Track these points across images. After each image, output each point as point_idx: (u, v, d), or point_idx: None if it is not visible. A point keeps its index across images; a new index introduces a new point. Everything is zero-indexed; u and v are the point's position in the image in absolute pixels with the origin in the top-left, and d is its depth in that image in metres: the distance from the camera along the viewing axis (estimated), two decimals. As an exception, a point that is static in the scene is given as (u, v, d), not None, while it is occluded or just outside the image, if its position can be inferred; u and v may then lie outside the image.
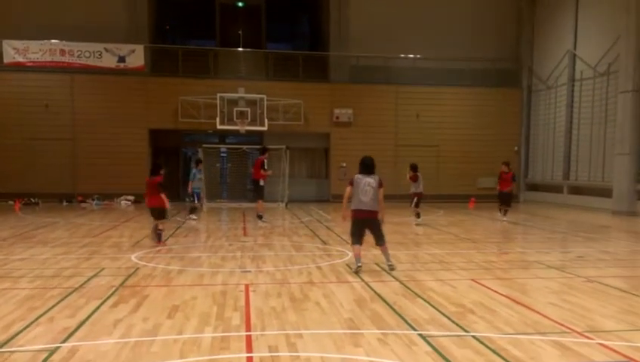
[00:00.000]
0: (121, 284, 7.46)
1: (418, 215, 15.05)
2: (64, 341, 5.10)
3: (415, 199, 14.91)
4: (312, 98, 22.97)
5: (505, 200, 16.14)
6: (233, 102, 21.80)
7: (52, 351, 4.81)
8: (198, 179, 15.99)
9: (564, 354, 4.87)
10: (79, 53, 21.60)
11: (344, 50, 23.92)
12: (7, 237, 12.10)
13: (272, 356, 4.75)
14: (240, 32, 27.31)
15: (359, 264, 8.36)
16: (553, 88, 23.47)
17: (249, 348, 4.95)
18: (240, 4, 27.19)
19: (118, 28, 22.37)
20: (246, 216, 17.07)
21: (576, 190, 21.98)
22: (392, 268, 8.48)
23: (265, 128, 22.07)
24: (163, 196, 10.67)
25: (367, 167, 8.42)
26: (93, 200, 21.33)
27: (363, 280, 7.87)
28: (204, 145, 21.03)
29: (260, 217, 15.44)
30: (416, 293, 7.08)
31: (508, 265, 9.44)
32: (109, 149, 21.65)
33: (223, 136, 24.51)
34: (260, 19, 27.82)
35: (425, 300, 6.73)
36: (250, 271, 8.47)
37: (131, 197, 21.24)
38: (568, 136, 22.35)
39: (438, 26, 23.73)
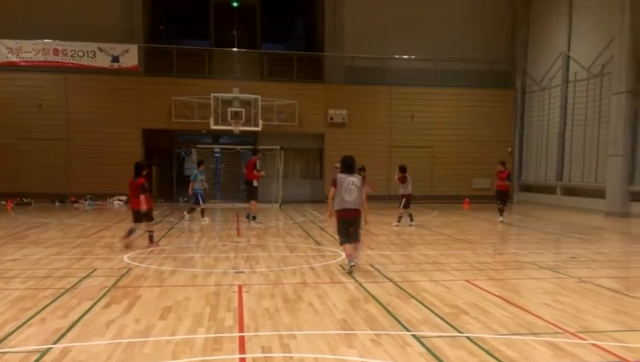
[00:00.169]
0: (114, 285, 7.43)
1: (410, 216, 15.05)
2: (56, 342, 5.07)
3: (404, 200, 14.91)
4: (307, 98, 22.96)
5: (501, 199, 16.33)
6: (227, 103, 21.72)
7: (44, 352, 4.79)
8: (200, 180, 15.37)
9: (557, 355, 4.88)
10: (73, 52, 21.53)
11: (339, 51, 23.92)
12: (-1, 237, 12.04)
13: (265, 357, 4.74)
14: (235, 32, 27.26)
15: (352, 264, 8.37)
16: (547, 89, 23.56)
17: (242, 349, 4.93)
18: (235, 4, 27.08)
19: (112, 27, 22.27)
20: (240, 217, 17.04)
21: (570, 191, 22.07)
22: (352, 269, 8.28)
23: (259, 129, 22.02)
24: (142, 197, 10.36)
25: (349, 166, 8.50)
26: (85, 200, 21.23)
27: (356, 280, 7.86)
28: (198, 146, 20.97)
29: (253, 217, 15.38)
30: (409, 294, 7.08)
31: (501, 265, 9.46)
32: (102, 149, 21.52)
33: (216, 136, 24.44)
34: (254, 20, 27.76)
35: (418, 301, 6.73)
36: (243, 272, 8.45)
37: (124, 198, 21.08)
38: (562, 137, 22.44)
39: (432, 27, 23.76)
